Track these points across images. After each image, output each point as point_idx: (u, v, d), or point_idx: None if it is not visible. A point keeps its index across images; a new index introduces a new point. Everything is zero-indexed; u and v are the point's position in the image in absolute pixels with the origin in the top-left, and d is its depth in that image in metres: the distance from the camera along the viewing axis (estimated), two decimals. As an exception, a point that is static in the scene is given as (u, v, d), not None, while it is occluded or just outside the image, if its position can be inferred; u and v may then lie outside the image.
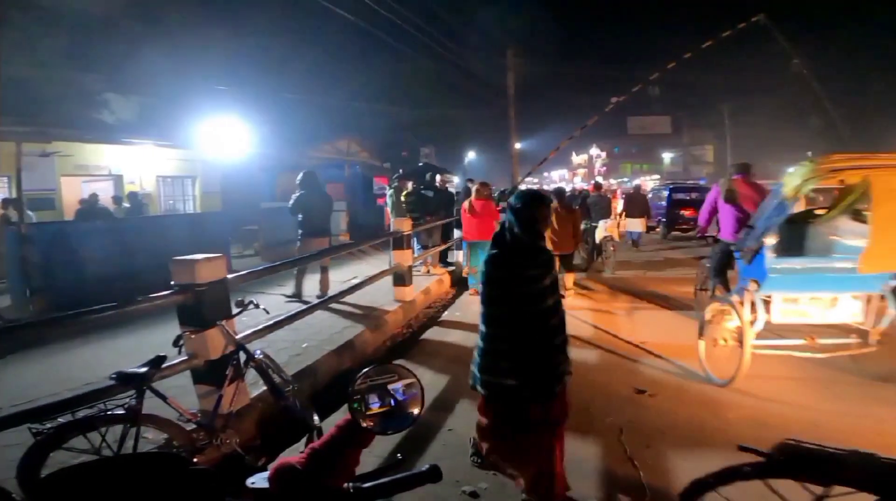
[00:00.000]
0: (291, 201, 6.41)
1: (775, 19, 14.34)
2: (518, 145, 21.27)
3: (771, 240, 3.79)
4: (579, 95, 32.47)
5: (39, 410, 2.24)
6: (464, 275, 7.97)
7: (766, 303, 3.89)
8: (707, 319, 4.15)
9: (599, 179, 25.66)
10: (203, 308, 2.91)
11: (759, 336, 3.84)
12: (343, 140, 20.75)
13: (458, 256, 9.25)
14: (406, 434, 2.93)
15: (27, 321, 3.79)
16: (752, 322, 3.82)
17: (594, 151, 57.34)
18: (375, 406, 0.93)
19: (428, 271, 8.35)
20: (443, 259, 9.14)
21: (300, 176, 6.50)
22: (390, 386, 0.95)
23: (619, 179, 43.78)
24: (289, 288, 6.63)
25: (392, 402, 0.94)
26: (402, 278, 6.38)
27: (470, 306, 6.75)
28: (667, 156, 49.43)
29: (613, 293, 7.34)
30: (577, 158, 63.39)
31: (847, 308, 3.86)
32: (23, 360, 4.19)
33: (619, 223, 10.46)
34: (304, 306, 4.54)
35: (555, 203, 6.58)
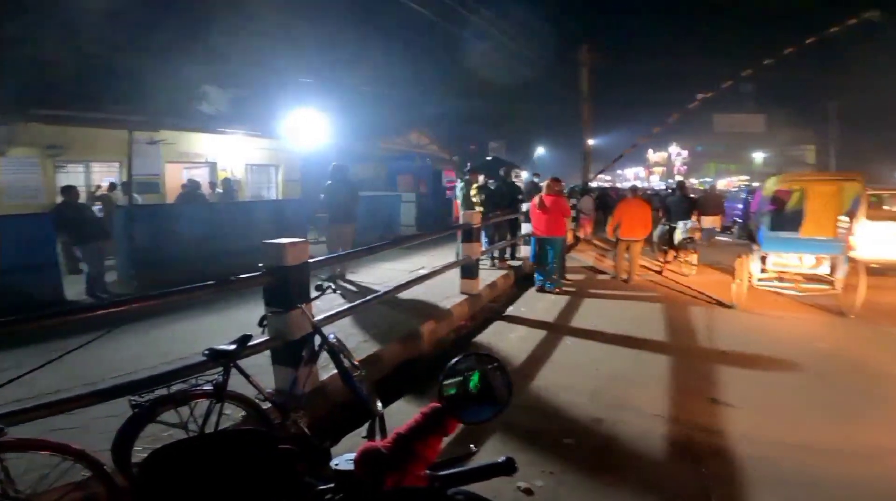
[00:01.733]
0: (322, 190, 6.93)
1: (891, 15, 12.68)
2: (591, 142, 20.53)
3: (765, 220, 6.71)
4: (660, 91, 30.66)
5: (138, 383, 2.41)
6: (530, 271, 7.87)
7: (764, 258, 6.65)
8: (736, 267, 6.47)
9: (679, 177, 24.21)
10: (287, 290, 3.06)
11: (764, 279, 6.59)
12: (413, 133, 21.08)
13: (526, 251, 9.13)
14: (466, 427, 2.96)
15: (132, 296, 4.18)
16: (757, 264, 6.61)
17: (674, 149, 54.10)
18: (463, 395, 0.94)
19: (494, 265, 8.31)
20: (511, 254, 9.05)
21: (330, 168, 6.96)
22: (478, 375, 0.96)
23: (702, 179, 40.96)
24: (360, 275, 6.87)
25: (479, 391, 0.95)
26: (469, 270, 6.40)
27: (535, 303, 6.65)
28: (758, 156, 45.59)
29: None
30: (654, 156, 60.14)
31: (811, 262, 6.51)
32: (126, 333, 4.52)
33: (699, 223, 9.98)
34: (376, 294, 4.67)
35: (630, 197, 8.38)
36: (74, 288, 6.27)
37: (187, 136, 11.75)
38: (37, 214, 6.97)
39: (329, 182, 6.92)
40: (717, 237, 12.30)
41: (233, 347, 2.50)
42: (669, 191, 12.92)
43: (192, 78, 13.06)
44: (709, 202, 11.66)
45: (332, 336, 3.17)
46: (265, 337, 3.05)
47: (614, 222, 7.92)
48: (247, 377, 2.58)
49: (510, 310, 6.37)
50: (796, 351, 4.67)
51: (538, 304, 6.61)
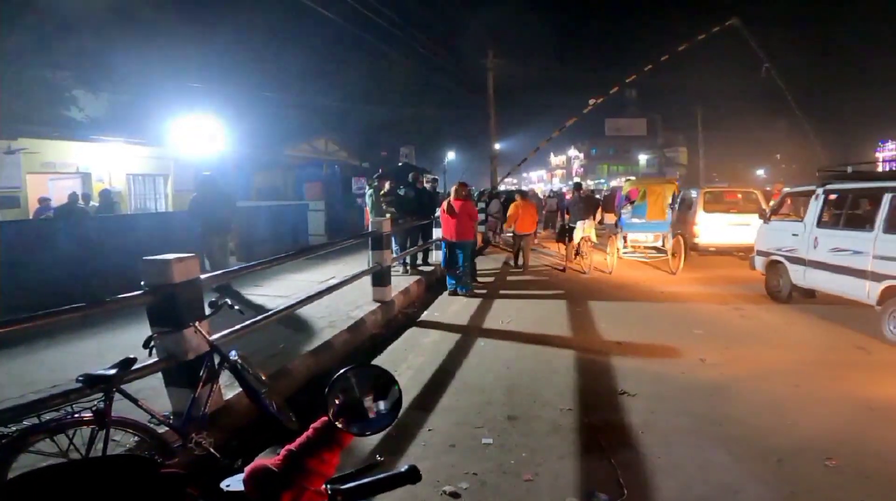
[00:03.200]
0: (189, 203, 6.82)
1: (749, 23, 14.86)
2: (497, 146, 21.37)
3: (626, 211, 10.01)
4: (559, 96, 32.77)
5: (4, 414, 2.17)
6: (442, 275, 8.00)
7: (625, 237, 9.94)
8: (608, 244, 9.42)
9: (577, 180, 26.11)
10: (175, 309, 2.85)
11: (627, 251, 9.95)
12: (321, 139, 20.52)
13: (437, 256, 9.27)
14: (385, 435, 2.95)
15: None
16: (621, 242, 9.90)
17: (572, 152, 58.06)
18: (353, 407, 0.92)
19: (407, 272, 8.32)
20: (423, 259, 9.13)
21: (199, 179, 6.99)
22: (367, 387, 0.95)
23: (596, 180, 44.43)
24: (267, 288, 6.54)
25: (369, 403, 0.93)
26: (380, 278, 6.34)
27: (448, 307, 6.76)
28: (642, 158, 50.43)
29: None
30: (555, 159, 64.07)
31: (652, 238, 9.85)
32: None
33: (603, 219, 11.06)
34: (283, 306, 4.47)
35: (519, 199, 9.91)
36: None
37: (54, 144, 10.44)
38: None
39: (194, 194, 6.76)
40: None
41: (113, 371, 2.31)
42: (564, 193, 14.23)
43: (61, 82, 11.67)
44: (608, 202, 13.72)
45: (233, 353, 3.00)
46: (153, 359, 2.80)
47: (510, 221, 9.60)
48: (134, 401, 2.41)
49: (424, 315, 6.42)
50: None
51: (451, 308, 6.73)
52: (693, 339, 5.19)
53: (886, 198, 5.22)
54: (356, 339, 5.23)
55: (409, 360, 4.70)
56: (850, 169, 6.47)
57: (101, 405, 2.24)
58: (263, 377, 3.20)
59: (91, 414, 2.21)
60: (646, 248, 9.86)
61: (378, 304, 6.12)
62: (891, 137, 27.91)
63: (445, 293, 7.44)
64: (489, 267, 9.83)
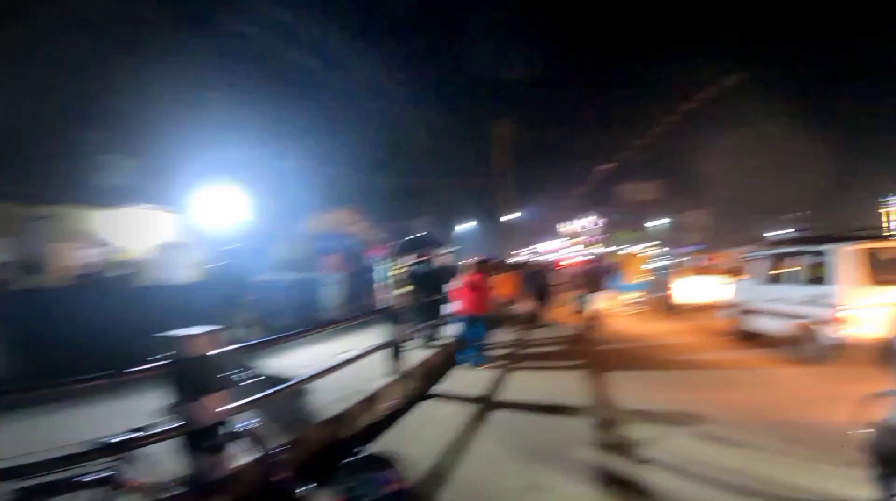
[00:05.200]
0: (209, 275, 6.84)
1: (755, 81, 15.42)
2: (510, 216, 21.79)
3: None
4: (570, 163, 33.38)
5: (21, 468, 2.21)
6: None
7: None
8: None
9: (594, 248, 26.14)
10: (195, 379, 2.93)
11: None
12: (341, 211, 21.18)
13: (452, 329, 9.25)
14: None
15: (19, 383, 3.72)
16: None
17: (583, 220, 58.50)
18: (360, 494, 0.96)
19: (422, 345, 8.27)
20: (437, 333, 9.07)
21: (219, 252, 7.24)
22: (375, 474, 0.99)
23: (618, 247, 43.90)
24: (283, 359, 6.53)
25: (377, 491, 0.97)
26: (396, 351, 6.33)
27: (464, 379, 6.68)
28: (662, 222, 49.83)
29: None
30: (566, 228, 64.54)
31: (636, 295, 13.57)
32: (5, 421, 4.05)
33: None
34: (298, 378, 4.48)
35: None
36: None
37: (78, 211, 10.77)
38: None
39: (216, 265, 6.91)
40: None
41: (130, 435, 2.41)
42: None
43: (86, 148, 12.08)
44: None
45: (248, 423, 3.02)
46: (171, 425, 2.85)
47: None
48: (148, 465, 2.48)
49: (439, 388, 6.34)
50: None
51: (466, 380, 6.64)
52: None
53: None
54: (370, 411, 5.14)
55: (423, 432, 4.61)
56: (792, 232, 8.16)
57: (115, 467, 2.29)
58: (276, 447, 3.18)
59: (107, 475, 2.25)
60: (634, 303, 13.15)
61: (393, 376, 6.05)
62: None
63: (461, 366, 7.35)
64: (503, 339, 9.74)
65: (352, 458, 0.99)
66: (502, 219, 20.32)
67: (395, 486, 1.00)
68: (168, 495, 2.53)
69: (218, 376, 3.12)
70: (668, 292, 12.69)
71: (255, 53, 14.36)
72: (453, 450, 4.13)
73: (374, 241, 20.64)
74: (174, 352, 2.96)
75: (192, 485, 2.68)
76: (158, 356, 2.97)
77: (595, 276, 9.73)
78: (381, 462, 1.03)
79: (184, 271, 13.68)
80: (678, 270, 13.58)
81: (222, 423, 2.96)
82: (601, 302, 9.37)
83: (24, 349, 5.81)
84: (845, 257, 6.54)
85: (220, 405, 2.99)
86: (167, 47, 13.26)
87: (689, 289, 12.78)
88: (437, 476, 3.58)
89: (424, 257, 9.16)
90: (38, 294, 7.01)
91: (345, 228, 20.52)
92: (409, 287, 8.23)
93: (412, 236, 18.08)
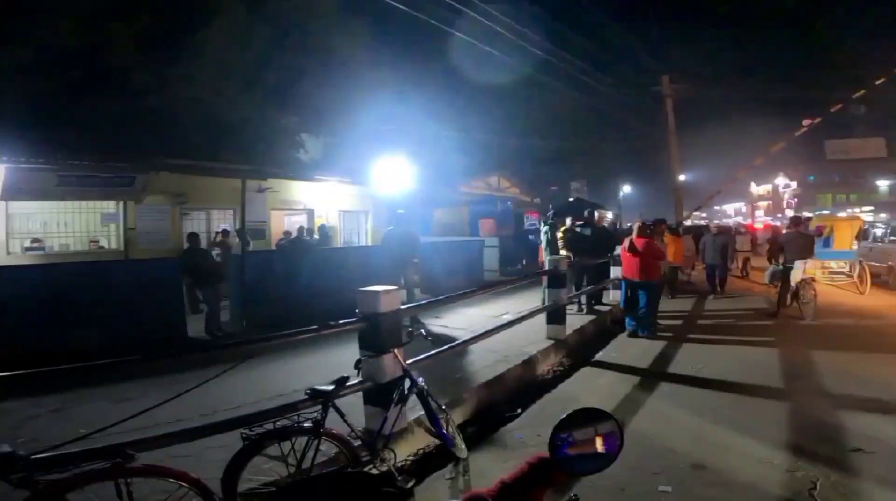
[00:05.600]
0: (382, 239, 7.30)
1: None
2: (682, 177, 19.47)
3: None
4: (759, 119, 28.35)
5: (248, 418, 2.62)
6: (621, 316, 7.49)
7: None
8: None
9: (790, 212, 22.10)
10: (381, 335, 3.22)
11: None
12: (494, 176, 21.38)
13: (614, 296, 8.74)
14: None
15: (243, 339, 4.54)
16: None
17: (781, 180, 49.74)
18: (573, 446, 0.94)
19: (582, 310, 8.01)
20: (599, 299, 8.69)
21: (391, 217, 7.47)
22: (588, 428, 0.96)
23: (818, 212, 36.86)
24: (446, 319, 6.96)
25: (589, 443, 0.94)
26: (555, 315, 6.23)
27: (626, 349, 6.29)
28: (882, 183, 40.53)
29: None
30: (757, 189, 55.66)
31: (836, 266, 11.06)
32: (235, 369, 4.99)
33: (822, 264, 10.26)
34: (461, 340, 4.71)
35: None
36: (195, 326, 6.91)
37: (288, 184, 12.64)
38: (166, 258, 7.77)
39: (388, 229, 7.37)
40: None
41: (331, 387, 2.64)
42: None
43: (292, 127, 14.24)
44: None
45: (420, 380, 3.24)
46: (359, 379, 3.18)
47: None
48: (342, 416, 2.69)
49: (599, 356, 6.07)
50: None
51: (629, 350, 6.24)
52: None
53: None
54: (528, 375, 5.18)
55: (582, 399, 4.47)
56: None
57: (319, 416, 2.54)
58: (442, 405, 3.37)
59: (311, 425, 2.51)
60: (832, 273, 10.94)
61: (552, 341, 5.99)
62: None
63: (624, 335, 6.93)
64: (677, 309, 8.88)
65: (566, 413, 0.97)
66: (676, 177, 18.11)
67: (613, 444, 0.95)
68: (353, 443, 2.78)
69: (398, 333, 3.41)
70: (890, 263, 10.95)
71: (416, 32, 15.02)
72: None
73: (530, 205, 20.46)
74: (367, 309, 3.26)
75: (376, 435, 2.92)
76: (355, 312, 3.31)
77: (795, 241, 8.12)
78: (601, 416, 0.99)
79: (361, 236, 15.45)
80: None
81: (400, 378, 3.20)
82: (802, 272, 7.79)
83: (250, 305, 7.13)
84: None
85: (399, 361, 3.24)
86: (344, 40, 14.75)
87: None
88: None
89: (586, 220, 8.71)
90: (259, 256, 8.47)
91: (499, 192, 20.69)
92: (570, 251, 7.97)
93: (573, 199, 17.41)
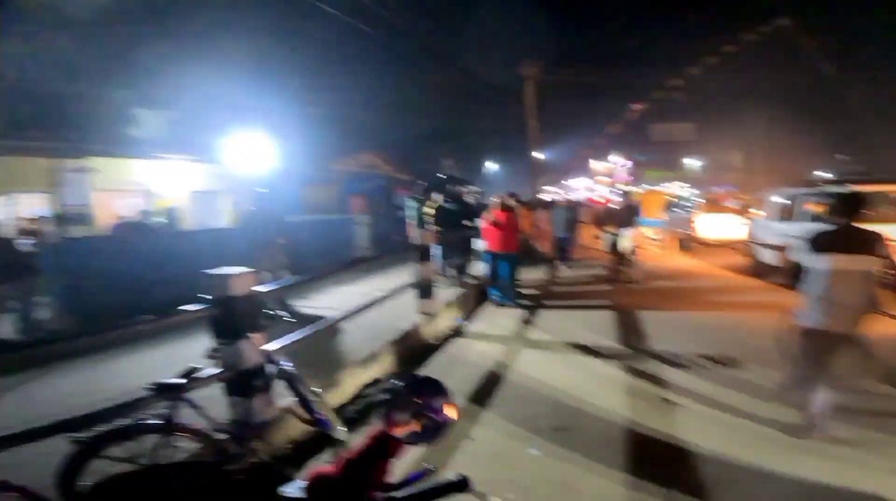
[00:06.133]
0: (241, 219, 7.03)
1: (801, 23, 14.23)
2: (538, 155, 21.21)
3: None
4: (601, 102, 32.01)
5: (78, 420, 2.29)
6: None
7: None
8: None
9: (622, 187, 25.38)
10: (234, 321, 2.99)
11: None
12: (365, 153, 21.06)
13: (480, 268, 9.27)
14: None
15: (65, 333, 3.94)
16: None
17: (615, 158, 56.61)
18: (407, 417, 0.94)
19: (451, 284, 8.35)
20: (465, 271, 9.13)
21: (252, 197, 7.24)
22: (420, 397, 0.97)
23: (644, 187, 42.87)
24: (314, 300, 6.73)
25: (423, 413, 0.95)
26: (425, 290, 6.40)
27: (493, 318, 6.74)
28: (691, 163, 48.41)
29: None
30: (598, 166, 62.65)
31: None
32: (60, 370, 4.32)
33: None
34: (330, 319, 4.60)
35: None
36: (3, 327, 5.86)
37: (118, 163, 11.15)
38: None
39: (248, 210, 7.11)
40: None
41: (180, 380, 2.44)
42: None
43: (122, 101, 12.41)
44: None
45: (286, 364, 3.10)
46: (215, 369, 2.95)
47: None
48: (197, 409, 2.50)
49: (469, 327, 6.43)
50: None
51: (495, 319, 6.71)
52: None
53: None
54: (402, 350, 5.28)
55: (454, 371, 4.71)
56: None
57: (168, 412, 2.36)
58: (314, 388, 3.29)
59: (159, 421, 2.33)
60: (650, 240, 13.19)
61: (423, 316, 6.17)
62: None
63: (490, 305, 7.42)
64: (533, 278, 9.74)
65: (392, 382, 0.97)
66: (533, 154, 19.71)
67: (448, 414, 0.97)
68: (217, 437, 2.62)
69: (255, 317, 3.20)
70: (690, 229, 13.50)
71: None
72: (482, 390, 4.23)
73: (400, 182, 20.55)
74: (217, 293, 3.01)
75: (239, 428, 2.78)
76: (202, 298, 3.04)
77: (623, 213, 9.45)
78: (431, 386, 1.01)
79: (217, 217, 14.11)
80: (701, 208, 14.28)
81: (263, 365, 3.03)
82: (629, 240, 9.15)
83: (75, 298, 6.12)
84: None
85: (258, 346, 3.07)
86: (189, 7, 13.13)
87: (710, 226, 13.40)
88: (467, 415, 3.69)
89: (452, 196, 9.04)
90: (84, 243, 7.30)
91: (370, 169, 20.45)
92: (438, 226, 8.21)
93: (440, 176, 17.86)
